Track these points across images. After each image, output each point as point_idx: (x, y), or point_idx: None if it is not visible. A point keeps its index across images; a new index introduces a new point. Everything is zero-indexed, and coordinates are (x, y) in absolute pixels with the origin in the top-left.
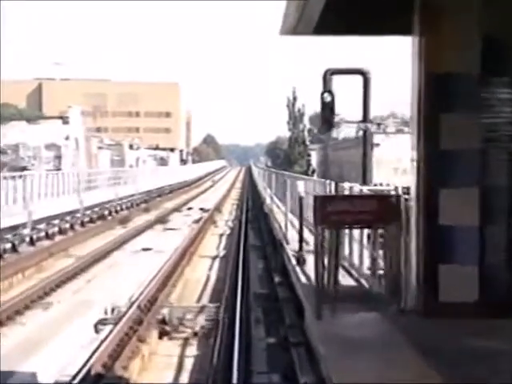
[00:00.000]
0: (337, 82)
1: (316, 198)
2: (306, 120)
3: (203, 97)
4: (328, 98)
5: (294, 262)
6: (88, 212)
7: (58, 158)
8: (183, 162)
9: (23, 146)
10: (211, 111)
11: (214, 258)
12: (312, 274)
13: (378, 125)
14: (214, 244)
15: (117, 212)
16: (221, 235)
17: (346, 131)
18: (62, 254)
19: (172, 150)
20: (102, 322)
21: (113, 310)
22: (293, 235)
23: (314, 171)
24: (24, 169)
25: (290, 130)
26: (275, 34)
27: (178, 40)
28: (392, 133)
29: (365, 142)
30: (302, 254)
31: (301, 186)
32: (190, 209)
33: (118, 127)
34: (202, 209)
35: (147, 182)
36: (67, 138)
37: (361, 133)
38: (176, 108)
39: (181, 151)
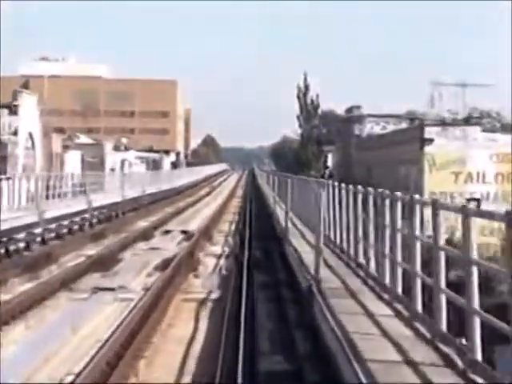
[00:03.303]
0: None
1: None
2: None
3: (204, 96)
4: None
5: None
6: None
7: (4, 158)
8: (174, 165)
9: None
10: (212, 112)
11: None
12: None
13: (411, 120)
14: (180, 343)
15: (44, 242)
16: (201, 304)
17: (370, 127)
18: None
19: (167, 152)
20: None
21: None
22: None
23: (331, 176)
24: None
25: (301, 127)
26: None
27: (177, 34)
28: (454, 124)
29: None
30: None
31: None
32: (167, 232)
33: (110, 128)
34: (184, 232)
35: (115, 191)
36: (15, 133)
37: (400, 126)
38: (174, 107)
39: (177, 153)
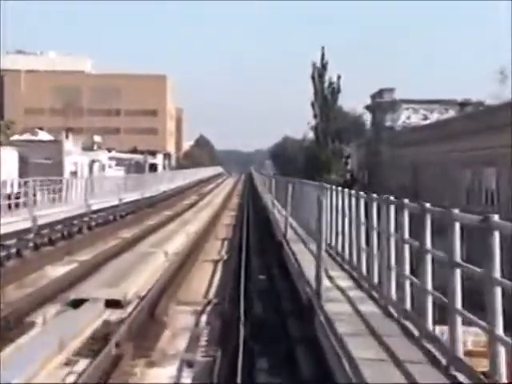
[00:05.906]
0: None
1: None
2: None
3: (199, 96)
4: None
5: None
6: None
7: None
8: (153, 167)
9: None
10: (209, 113)
11: None
12: None
13: (461, 106)
14: None
15: None
16: None
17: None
18: None
19: (153, 153)
20: None
21: None
22: None
23: (355, 181)
24: None
25: (316, 117)
26: None
27: (168, 25)
28: None
29: None
30: None
31: None
32: (76, 306)
33: (93, 128)
34: (110, 304)
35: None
36: None
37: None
38: (163, 105)
39: (165, 155)
